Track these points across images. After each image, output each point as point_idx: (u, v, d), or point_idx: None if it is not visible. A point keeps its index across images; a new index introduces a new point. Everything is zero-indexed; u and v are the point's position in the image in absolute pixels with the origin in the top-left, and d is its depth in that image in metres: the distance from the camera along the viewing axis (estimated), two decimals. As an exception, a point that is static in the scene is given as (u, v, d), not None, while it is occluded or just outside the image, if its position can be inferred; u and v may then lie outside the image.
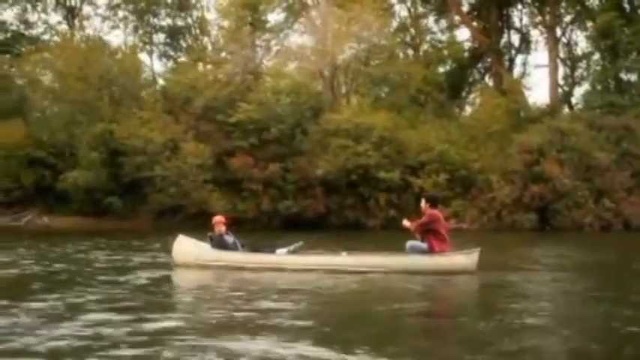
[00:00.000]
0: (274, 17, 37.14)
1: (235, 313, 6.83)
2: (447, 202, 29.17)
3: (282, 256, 11.58)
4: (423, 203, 11.22)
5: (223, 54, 33.45)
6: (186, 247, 12.10)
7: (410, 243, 11.02)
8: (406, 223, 11.19)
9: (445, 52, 40.61)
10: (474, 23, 39.95)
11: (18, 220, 30.67)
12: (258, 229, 28.79)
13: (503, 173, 29.08)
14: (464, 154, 29.81)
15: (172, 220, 29.86)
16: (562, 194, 27.98)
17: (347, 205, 28.94)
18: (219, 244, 11.80)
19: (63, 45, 35.24)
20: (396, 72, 31.99)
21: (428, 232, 10.83)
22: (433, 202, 11.24)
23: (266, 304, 7.46)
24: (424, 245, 10.84)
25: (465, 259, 10.73)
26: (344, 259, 11.28)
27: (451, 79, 39.06)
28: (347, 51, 30.77)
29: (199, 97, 31.43)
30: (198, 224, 29.37)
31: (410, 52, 39.89)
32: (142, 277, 10.24)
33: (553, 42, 38.28)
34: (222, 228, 11.94)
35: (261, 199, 29.00)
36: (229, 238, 11.94)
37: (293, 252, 11.60)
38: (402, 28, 39.97)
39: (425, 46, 40.82)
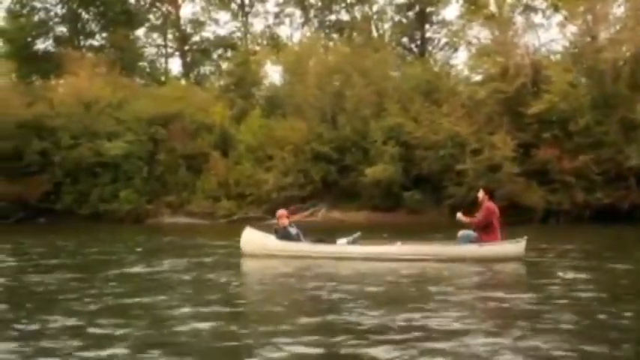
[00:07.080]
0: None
1: None
2: None
3: (342, 246, 12.25)
4: (481, 194, 12.25)
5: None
6: (253, 238, 12.82)
7: (461, 232, 12.01)
8: (460, 216, 12.10)
9: None
10: None
11: (314, 215, 31.08)
12: (569, 221, 28.56)
13: None
14: None
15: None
16: None
17: (657, 197, 28.58)
18: (284, 235, 12.63)
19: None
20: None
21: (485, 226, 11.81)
22: (491, 194, 12.48)
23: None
24: (474, 234, 11.87)
25: (514, 247, 11.70)
26: (400, 249, 12.05)
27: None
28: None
29: (479, 89, 31.40)
30: (513, 219, 29.16)
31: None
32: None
33: None
34: (286, 221, 12.84)
35: (573, 190, 28.77)
36: (293, 230, 12.80)
37: (352, 242, 12.33)
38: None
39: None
